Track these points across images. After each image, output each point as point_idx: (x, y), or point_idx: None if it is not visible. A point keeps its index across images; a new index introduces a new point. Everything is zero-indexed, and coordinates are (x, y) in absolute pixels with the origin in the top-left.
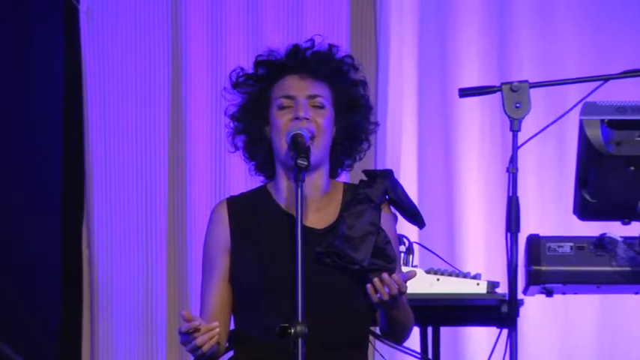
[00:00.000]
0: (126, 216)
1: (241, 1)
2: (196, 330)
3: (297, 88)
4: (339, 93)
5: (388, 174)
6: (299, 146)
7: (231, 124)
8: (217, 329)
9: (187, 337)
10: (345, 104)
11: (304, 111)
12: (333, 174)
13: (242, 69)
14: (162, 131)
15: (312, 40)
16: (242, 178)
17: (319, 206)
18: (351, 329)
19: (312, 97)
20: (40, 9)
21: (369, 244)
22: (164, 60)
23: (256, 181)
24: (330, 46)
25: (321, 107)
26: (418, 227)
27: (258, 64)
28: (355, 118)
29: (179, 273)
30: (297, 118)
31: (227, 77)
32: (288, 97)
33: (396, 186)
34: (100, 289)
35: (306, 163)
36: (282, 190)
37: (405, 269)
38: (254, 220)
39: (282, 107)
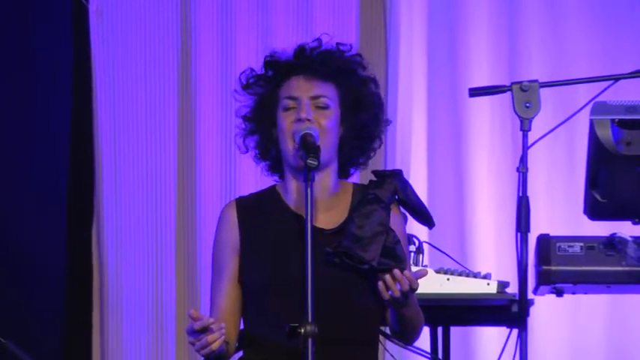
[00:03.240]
0: (135, 216)
1: (251, 1)
2: (207, 328)
3: (301, 88)
4: (346, 92)
5: (397, 174)
6: (309, 146)
7: (242, 126)
8: (224, 330)
9: (197, 335)
10: (352, 103)
11: (306, 112)
12: (344, 173)
13: (252, 70)
14: (171, 131)
15: (319, 39)
16: (252, 178)
17: (328, 206)
18: (360, 329)
19: (315, 97)
20: (48, 8)
21: (378, 244)
22: (174, 60)
23: (267, 181)
24: (337, 44)
25: (325, 108)
26: (428, 227)
27: (266, 64)
28: (363, 117)
29: (189, 273)
30: (299, 120)
31: (237, 76)
32: (292, 98)
33: (405, 186)
34: (109, 289)
35: (316, 163)
36: (291, 190)
37: (414, 269)
38: (263, 220)
39: (286, 108)
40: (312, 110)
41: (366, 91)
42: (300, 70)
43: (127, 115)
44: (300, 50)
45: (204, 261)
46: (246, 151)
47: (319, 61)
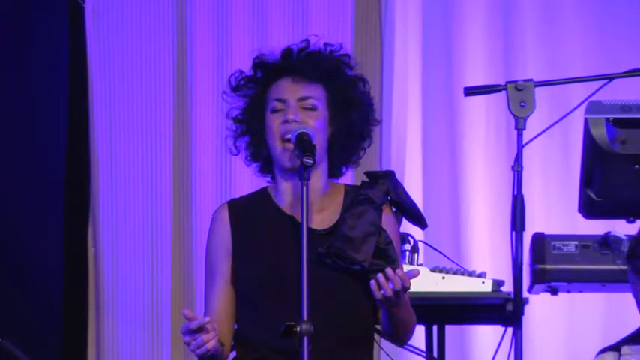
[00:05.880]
0: (131, 215)
1: (246, 1)
2: (202, 328)
3: (288, 90)
4: (335, 93)
5: (390, 175)
6: (304, 145)
7: (233, 127)
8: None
9: (192, 335)
10: (341, 103)
11: (293, 114)
12: (335, 173)
13: (241, 72)
14: (167, 130)
15: (307, 40)
16: (248, 179)
17: (320, 207)
18: (353, 329)
19: (302, 99)
20: (45, 8)
21: (370, 244)
22: (170, 60)
23: (262, 180)
24: (325, 45)
25: (312, 109)
26: (420, 228)
27: (255, 66)
28: (353, 117)
29: (184, 272)
30: (285, 121)
31: (222, 93)
32: (280, 99)
33: (397, 187)
34: (105, 288)
35: (311, 162)
36: (282, 192)
37: (409, 268)
38: (255, 222)
39: (274, 110)
40: (300, 111)
41: (355, 90)
42: (288, 71)
43: (122, 115)
44: (287, 52)
45: (200, 261)
46: (237, 153)
47: (306, 63)
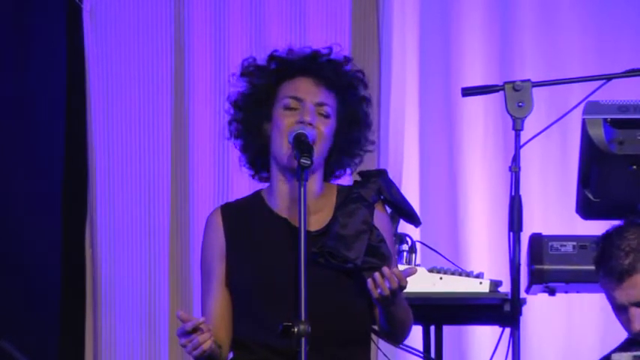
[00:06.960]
0: (129, 215)
1: (244, 1)
2: (197, 329)
3: (308, 92)
4: (345, 106)
5: (382, 174)
6: (303, 145)
7: (231, 111)
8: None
9: (188, 336)
10: (348, 118)
11: (311, 116)
12: (325, 179)
13: (254, 59)
14: (165, 130)
15: (330, 47)
16: (246, 178)
17: (314, 209)
18: (350, 329)
19: (320, 104)
20: (43, 8)
21: (362, 242)
22: (167, 60)
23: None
24: (345, 58)
25: (327, 116)
26: (414, 226)
27: (271, 58)
28: (355, 134)
29: (182, 272)
30: (301, 122)
31: (229, 76)
32: (297, 98)
33: (390, 185)
34: (103, 289)
35: (309, 162)
36: (277, 192)
37: (406, 267)
38: (248, 225)
39: (288, 107)
40: (316, 116)
41: (361, 109)
42: (309, 73)
43: (120, 115)
44: (315, 54)
45: (197, 262)
46: (232, 137)
47: (330, 70)
